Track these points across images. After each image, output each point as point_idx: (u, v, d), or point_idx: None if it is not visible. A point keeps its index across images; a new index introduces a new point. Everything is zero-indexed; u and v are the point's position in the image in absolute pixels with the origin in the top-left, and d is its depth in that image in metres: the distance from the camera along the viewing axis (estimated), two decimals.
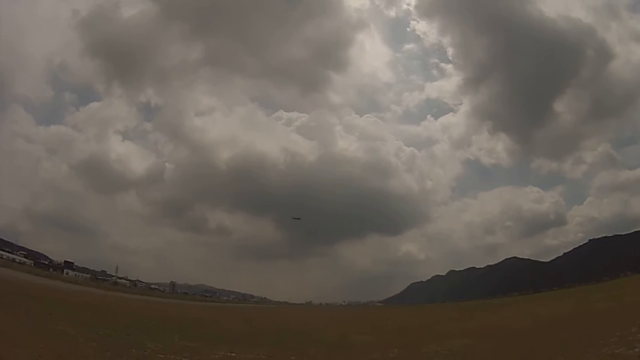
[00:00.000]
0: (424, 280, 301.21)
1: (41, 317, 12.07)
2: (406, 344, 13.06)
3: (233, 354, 11.12)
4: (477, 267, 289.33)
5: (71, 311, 15.66)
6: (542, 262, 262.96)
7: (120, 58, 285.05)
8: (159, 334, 13.47)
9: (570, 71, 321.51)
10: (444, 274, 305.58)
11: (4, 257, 64.04)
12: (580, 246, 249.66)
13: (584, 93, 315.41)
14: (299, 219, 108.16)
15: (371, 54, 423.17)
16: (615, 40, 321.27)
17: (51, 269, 78.70)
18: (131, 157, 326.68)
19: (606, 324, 11.35)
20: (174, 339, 12.80)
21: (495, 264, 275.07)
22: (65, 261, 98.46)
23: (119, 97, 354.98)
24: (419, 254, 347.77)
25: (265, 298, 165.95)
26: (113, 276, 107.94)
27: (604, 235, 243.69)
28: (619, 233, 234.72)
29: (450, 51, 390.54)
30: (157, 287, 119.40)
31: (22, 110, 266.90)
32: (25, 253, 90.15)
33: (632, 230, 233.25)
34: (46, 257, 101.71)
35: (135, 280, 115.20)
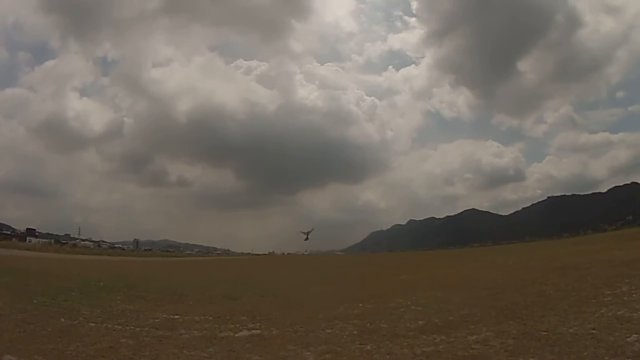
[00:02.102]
0: (384, 229, 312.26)
1: None
2: (372, 296, 12.14)
3: (177, 316, 9.81)
4: (437, 217, 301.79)
5: (12, 281, 14.30)
6: (501, 215, 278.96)
7: (76, 11, 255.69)
8: (100, 297, 12.21)
9: (538, 33, 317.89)
10: (404, 223, 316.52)
11: None
12: (539, 202, 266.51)
13: (550, 55, 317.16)
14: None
15: (334, 3, 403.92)
16: (586, 9, 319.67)
17: (13, 239, 77.02)
18: (89, 113, 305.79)
19: (588, 281, 10.68)
20: (115, 302, 11.56)
21: (455, 215, 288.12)
22: (27, 229, 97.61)
23: (75, 53, 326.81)
24: (380, 202, 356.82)
25: (228, 250, 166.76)
26: (77, 239, 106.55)
27: (562, 194, 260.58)
28: (577, 193, 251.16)
29: (414, 5, 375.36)
30: (121, 245, 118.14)
31: None
32: None
33: (590, 192, 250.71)
34: (9, 227, 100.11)
35: (99, 241, 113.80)
